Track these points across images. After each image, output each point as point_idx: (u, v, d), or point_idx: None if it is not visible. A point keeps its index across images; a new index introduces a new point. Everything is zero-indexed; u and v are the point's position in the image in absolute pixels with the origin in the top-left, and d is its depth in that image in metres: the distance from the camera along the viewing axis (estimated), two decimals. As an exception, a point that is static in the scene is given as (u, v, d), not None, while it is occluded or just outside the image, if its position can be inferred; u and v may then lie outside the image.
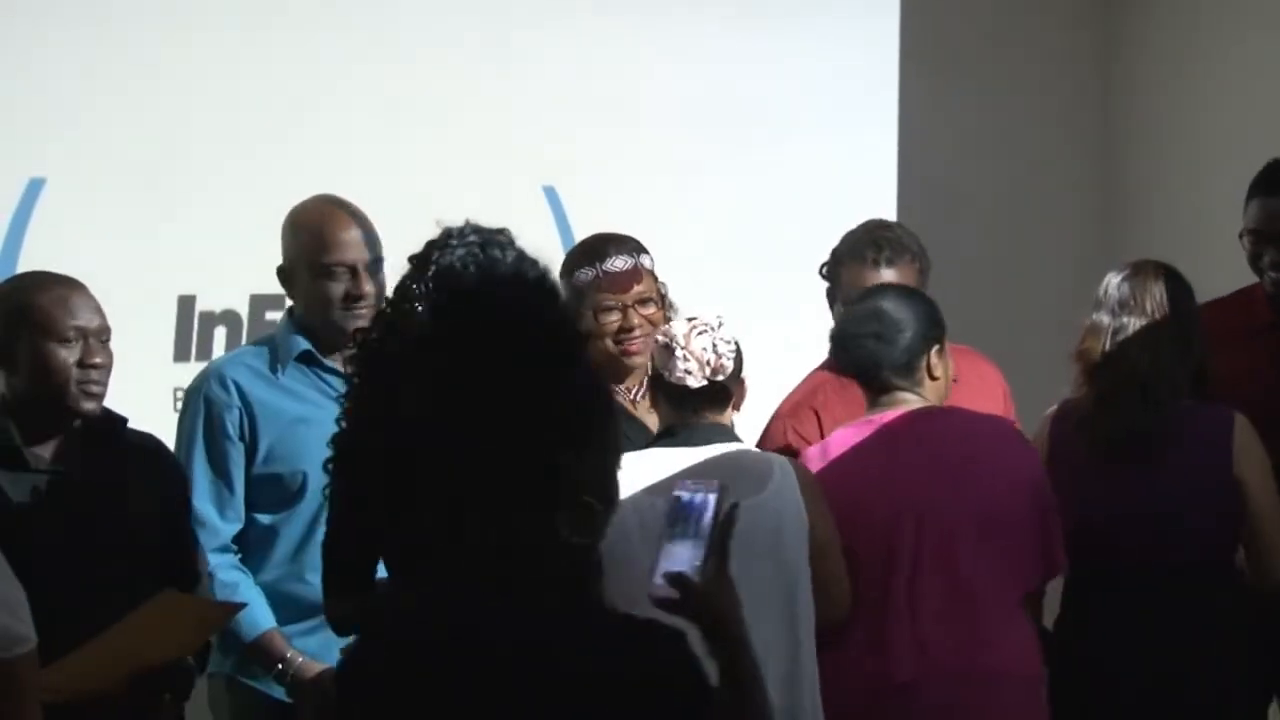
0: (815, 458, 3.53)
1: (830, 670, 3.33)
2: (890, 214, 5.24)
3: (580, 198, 5.05)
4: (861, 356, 3.52)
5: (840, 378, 3.69)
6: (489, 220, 4.83)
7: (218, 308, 4.74)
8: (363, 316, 3.58)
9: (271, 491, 3.63)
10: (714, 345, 3.30)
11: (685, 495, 2.27)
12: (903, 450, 3.46)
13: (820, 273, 3.98)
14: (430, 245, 3.21)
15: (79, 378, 3.19)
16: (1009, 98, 5.80)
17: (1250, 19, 5.50)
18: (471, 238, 3.19)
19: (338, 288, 3.63)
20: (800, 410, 3.80)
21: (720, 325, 3.33)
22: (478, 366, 2.04)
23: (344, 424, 3.15)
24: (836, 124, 5.41)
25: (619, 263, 3.66)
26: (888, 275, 3.80)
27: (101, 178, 4.57)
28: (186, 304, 4.71)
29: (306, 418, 3.61)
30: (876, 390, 3.54)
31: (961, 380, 3.78)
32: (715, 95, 5.25)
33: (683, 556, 2.22)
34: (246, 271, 4.70)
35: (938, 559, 3.41)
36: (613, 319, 3.62)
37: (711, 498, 2.25)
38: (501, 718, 2.02)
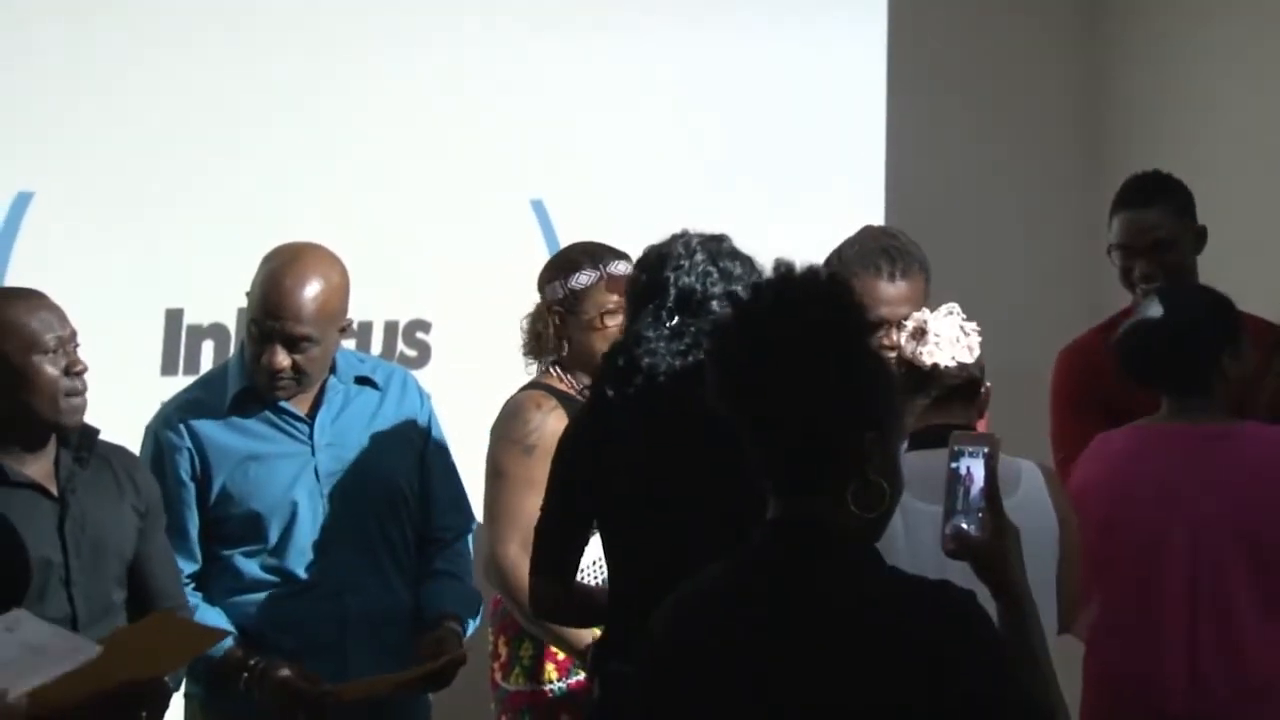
0: (1091, 458, 3.45)
1: (1090, 695, 3.29)
2: (878, 223, 5.25)
3: (568, 211, 5.05)
4: (1149, 371, 3.44)
5: None
6: (477, 232, 4.90)
7: (205, 321, 4.73)
8: (282, 387, 3.54)
9: (227, 529, 3.59)
10: (960, 327, 3.27)
11: (962, 450, 2.43)
12: (1179, 468, 3.36)
13: None
14: (659, 264, 3.23)
15: (67, 388, 3.16)
16: (998, 106, 5.80)
17: (1243, 26, 5.51)
18: (699, 255, 3.23)
19: (256, 348, 3.54)
20: None
21: (959, 313, 3.31)
22: (795, 353, 2.17)
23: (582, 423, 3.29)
24: (824, 133, 5.41)
25: (621, 266, 3.75)
26: (901, 288, 3.75)
27: (89, 191, 4.56)
28: (174, 317, 4.71)
29: (258, 454, 3.58)
30: (1168, 399, 3.44)
31: None
32: (703, 106, 5.25)
33: (965, 512, 2.39)
34: (234, 285, 4.66)
35: (1210, 585, 3.30)
36: (618, 319, 3.65)
37: (983, 451, 2.41)
38: (803, 677, 2.13)
